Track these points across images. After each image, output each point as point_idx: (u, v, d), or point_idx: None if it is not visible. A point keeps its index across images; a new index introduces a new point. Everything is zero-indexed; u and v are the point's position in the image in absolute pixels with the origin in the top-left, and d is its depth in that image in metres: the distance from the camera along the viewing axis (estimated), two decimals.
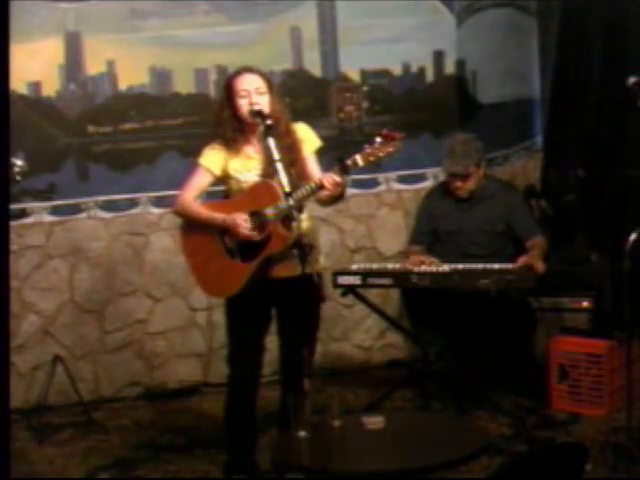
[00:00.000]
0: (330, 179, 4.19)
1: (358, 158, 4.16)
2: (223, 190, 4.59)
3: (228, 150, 4.44)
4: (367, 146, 4.16)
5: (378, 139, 4.16)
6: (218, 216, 4.38)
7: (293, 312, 4.44)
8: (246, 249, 4.36)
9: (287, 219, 4.27)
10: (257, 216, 4.32)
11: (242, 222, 4.31)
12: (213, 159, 4.46)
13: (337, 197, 4.34)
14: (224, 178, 4.49)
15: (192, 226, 4.51)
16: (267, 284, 4.39)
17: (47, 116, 5.87)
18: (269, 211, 4.28)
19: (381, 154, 4.15)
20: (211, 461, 4.87)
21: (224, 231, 4.39)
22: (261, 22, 6.05)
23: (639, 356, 5.04)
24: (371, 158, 4.16)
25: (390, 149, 4.16)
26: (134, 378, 6.06)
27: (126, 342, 6.05)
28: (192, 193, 4.49)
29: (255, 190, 4.38)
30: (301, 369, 4.37)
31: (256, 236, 4.31)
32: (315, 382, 5.41)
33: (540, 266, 5.18)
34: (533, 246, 5.38)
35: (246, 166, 4.44)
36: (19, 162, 4.15)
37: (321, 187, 4.21)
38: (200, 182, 4.50)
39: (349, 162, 4.17)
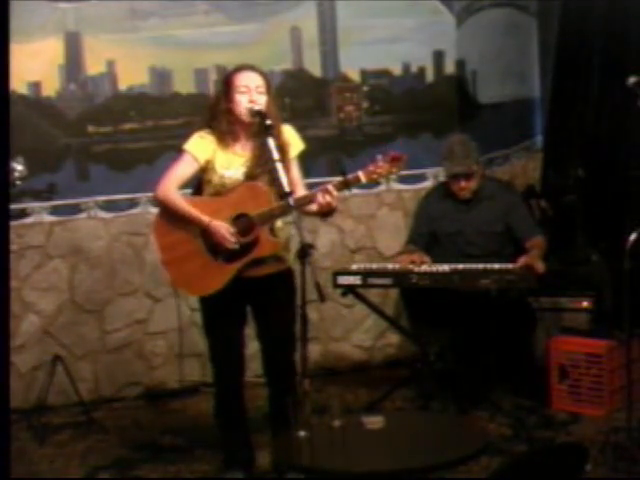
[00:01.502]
0: (323, 200, 4.19)
1: (361, 175, 4.19)
2: (198, 181, 4.50)
3: (218, 142, 4.40)
4: (371, 164, 4.18)
5: (380, 157, 4.17)
6: (204, 219, 4.33)
7: (267, 310, 4.46)
8: (230, 250, 4.34)
9: (272, 224, 4.29)
10: (245, 218, 4.31)
11: (227, 234, 4.29)
12: (201, 147, 4.40)
13: (326, 213, 4.34)
14: (206, 170, 4.42)
15: (170, 220, 4.42)
16: (240, 283, 4.36)
17: (47, 116, 5.87)
18: (258, 214, 4.27)
19: (384, 173, 4.18)
20: (211, 461, 4.87)
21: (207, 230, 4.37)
22: (261, 22, 6.05)
23: (639, 356, 5.04)
24: (374, 176, 4.20)
25: (394, 169, 4.19)
26: (134, 378, 6.06)
27: (126, 342, 6.05)
28: (175, 182, 4.42)
29: (245, 191, 4.35)
30: (281, 367, 4.39)
31: (236, 247, 4.29)
32: (315, 382, 5.43)
33: (540, 266, 5.18)
34: (533, 246, 5.38)
35: (232, 162, 4.40)
36: (19, 167, 4.15)
37: (312, 199, 4.22)
38: (184, 170, 4.42)
39: (351, 177, 4.18)
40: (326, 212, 4.32)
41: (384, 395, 5.43)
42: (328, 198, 4.19)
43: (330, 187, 4.20)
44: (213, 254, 4.37)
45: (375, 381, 5.95)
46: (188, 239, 4.40)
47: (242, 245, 4.31)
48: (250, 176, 4.36)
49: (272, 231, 4.33)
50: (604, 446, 4.56)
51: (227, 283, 4.33)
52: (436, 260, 5.37)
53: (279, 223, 4.34)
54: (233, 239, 4.29)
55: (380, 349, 6.38)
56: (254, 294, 4.45)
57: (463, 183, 5.49)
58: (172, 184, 4.41)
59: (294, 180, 4.40)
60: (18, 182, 4.15)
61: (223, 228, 4.30)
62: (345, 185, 4.21)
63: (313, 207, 4.29)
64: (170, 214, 4.43)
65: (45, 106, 5.87)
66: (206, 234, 4.35)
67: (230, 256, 4.33)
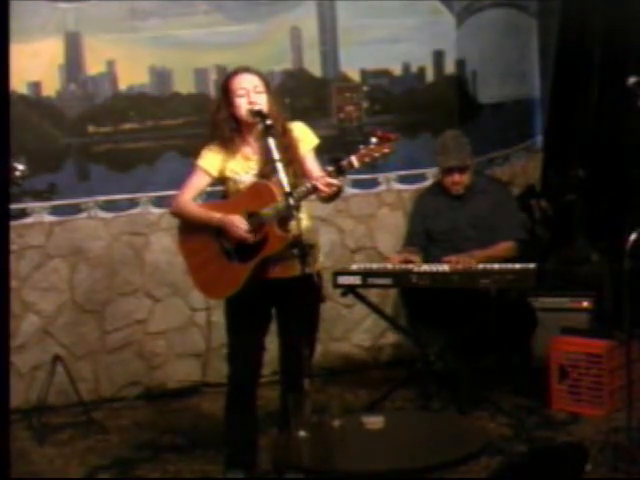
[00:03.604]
0: (324, 181, 4.19)
1: (353, 159, 4.16)
2: (221, 191, 4.59)
3: (226, 151, 4.43)
4: (362, 147, 4.16)
5: (373, 139, 4.16)
6: (215, 216, 4.38)
7: (292, 312, 4.43)
8: (243, 250, 4.35)
9: (284, 220, 4.28)
10: (254, 217, 4.32)
11: (239, 223, 4.31)
12: (210, 161, 4.45)
13: (334, 195, 4.34)
14: (222, 179, 4.48)
15: (189, 228, 4.51)
16: (266, 285, 4.39)
17: (47, 116, 5.87)
18: (266, 212, 4.28)
19: (376, 155, 4.16)
20: (211, 461, 4.87)
21: (221, 232, 4.38)
22: (261, 22, 6.05)
23: (639, 356, 5.04)
24: (366, 159, 4.16)
25: (385, 150, 4.16)
26: (134, 378, 6.06)
27: (126, 342, 6.05)
28: (190, 194, 4.48)
29: (252, 191, 4.37)
30: (301, 369, 4.38)
31: (251, 238, 4.31)
32: (315, 382, 5.43)
33: (465, 264, 5.16)
34: (495, 249, 5.37)
35: (244, 167, 4.43)
36: (20, 167, 4.15)
37: (315, 189, 4.22)
38: (198, 183, 4.49)
39: (344, 163, 4.17)
40: (333, 196, 4.32)
41: (384, 395, 5.43)
42: (328, 188, 4.19)
43: (324, 175, 4.20)
44: (228, 256, 4.39)
45: (375, 381, 5.95)
46: (205, 245, 4.43)
47: (253, 244, 4.32)
48: (262, 176, 4.38)
49: (283, 227, 4.31)
50: (604, 446, 4.56)
51: (244, 284, 4.34)
52: (432, 259, 5.38)
53: (304, 223, 4.30)
54: (244, 226, 4.30)
55: (380, 349, 6.38)
56: (279, 296, 4.45)
57: (457, 177, 5.51)
58: (186, 196, 4.48)
59: (311, 174, 4.38)
60: (20, 181, 4.15)
61: (235, 219, 4.31)
62: (339, 172, 4.19)
63: (319, 193, 4.28)
64: (187, 225, 4.50)
65: (45, 106, 5.87)
66: (220, 236, 4.38)
67: (244, 257, 4.35)
